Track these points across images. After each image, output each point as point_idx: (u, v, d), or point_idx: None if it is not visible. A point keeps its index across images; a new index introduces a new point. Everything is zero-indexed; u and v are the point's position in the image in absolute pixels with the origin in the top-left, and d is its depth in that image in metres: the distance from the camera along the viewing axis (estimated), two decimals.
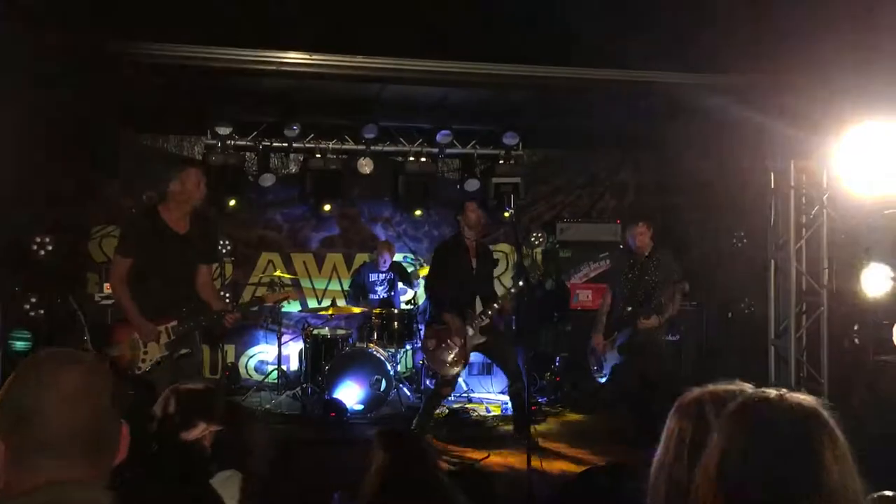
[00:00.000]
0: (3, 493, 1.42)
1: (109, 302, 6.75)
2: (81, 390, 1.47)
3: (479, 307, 6.64)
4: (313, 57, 6.30)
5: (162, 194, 5.01)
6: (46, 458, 1.42)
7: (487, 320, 6.51)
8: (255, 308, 6.08)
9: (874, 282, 6.24)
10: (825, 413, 1.44)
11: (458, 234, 6.76)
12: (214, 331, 5.34)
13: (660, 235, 6.63)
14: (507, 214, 8.81)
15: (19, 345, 6.58)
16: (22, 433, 1.42)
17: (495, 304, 6.50)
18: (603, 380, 6.34)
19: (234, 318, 5.01)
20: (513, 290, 6.55)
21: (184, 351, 4.83)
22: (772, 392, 1.47)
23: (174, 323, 4.78)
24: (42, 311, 6.81)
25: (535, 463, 4.98)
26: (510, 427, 6.78)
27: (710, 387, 1.73)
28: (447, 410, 7.48)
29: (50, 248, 7.02)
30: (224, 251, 8.80)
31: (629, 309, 6.29)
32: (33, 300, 6.85)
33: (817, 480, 1.35)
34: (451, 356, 6.48)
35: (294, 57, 6.27)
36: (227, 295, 8.76)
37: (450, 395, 7.05)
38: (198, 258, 5.00)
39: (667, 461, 1.67)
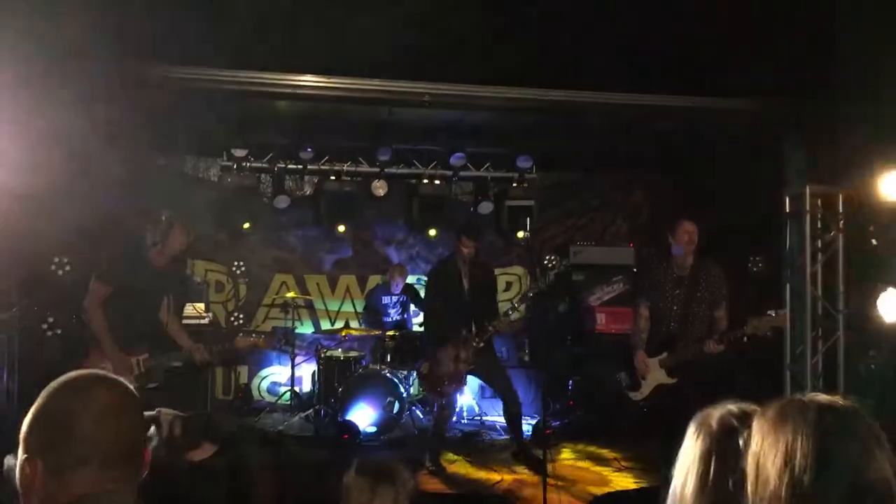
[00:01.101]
0: None
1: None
2: (115, 406, 1.56)
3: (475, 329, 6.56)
4: (328, 80, 6.35)
5: (174, 219, 5.11)
6: (83, 472, 1.50)
7: (482, 343, 6.45)
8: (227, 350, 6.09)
9: (890, 306, 6.19)
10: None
11: (452, 255, 6.76)
12: (190, 365, 5.35)
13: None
14: (521, 236, 8.91)
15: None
16: (59, 450, 1.50)
17: (490, 327, 6.42)
18: (638, 398, 5.81)
19: (202, 357, 5.12)
20: (510, 313, 6.55)
21: (151, 385, 4.90)
22: (798, 396, 1.48)
23: (145, 356, 4.89)
24: (59, 332, 6.84)
25: (551, 488, 4.93)
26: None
27: (729, 406, 1.70)
28: (460, 433, 7.46)
29: (68, 268, 7.06)
30: (238, 272, 8.84)
31: (684, 329, 5.62)
32: (50, 320, 6.88)
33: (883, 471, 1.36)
34: (444, 379, 6.45)
35: (309, 80, 6.32)
36: (241, 316, 8.79)
37: (451, 417, 6.96)
38: (168, 295, 5.13)
39: (692, 485, 1.63)
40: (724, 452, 1.61)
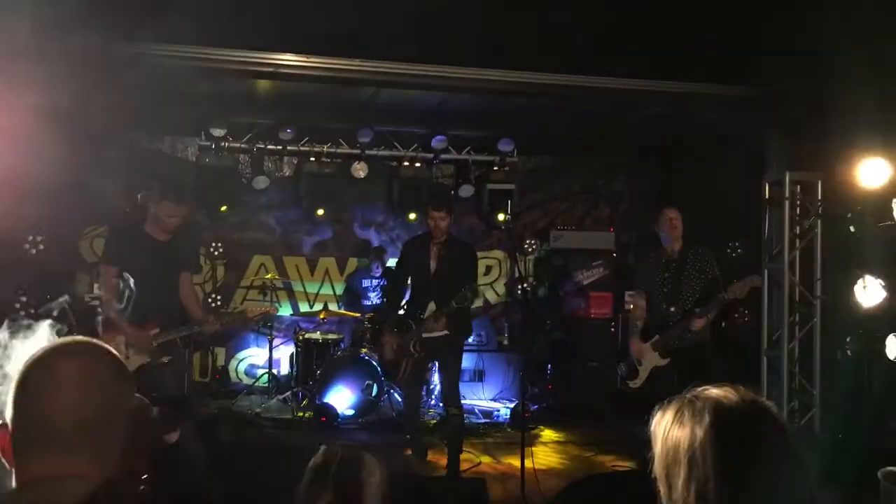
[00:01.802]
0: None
1: (97, 303, 6.76)
2: (75, 382, 1.40)
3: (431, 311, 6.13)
4: (309, 59, 6.26)
5: (151, 198, 5.11)
6: (37, 452, 1.38)
7: (438, 329, 6.00)
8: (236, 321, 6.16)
9: (867, 294, 6.24)
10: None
11: (427, 231, 6.38)
12: (198, 337, 5.42)
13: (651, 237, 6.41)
14: (502, 219, 8.89)
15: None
16: (18, 424, 1.39)
17: (439, 322, 5.99)
18: (637, 384, 5.85)
19: (215, 328, 5.17)
20: (454, 304, 5.88)
21: (165, 359, 4.91)
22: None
23: (156, 331, 4.87)
24: (32, 311, 6.75)
25: (528, 471, 4.94)
26: (502, 434, 6.76)
27: (711, 389, 1.62)
28: (438, 417, 7.46)
29: (42, 246, 6.97)
30: (216, 253, 8.76)
31: (672, 309, 5.78)
32: (24, 299, 6.79)
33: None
34: (393, 360, 6.18)
35: (290, 59, 6.23)
36: (219, 297, 8.73)
37: (414, 395, 6.53)
38: (179, 267, 5.14)
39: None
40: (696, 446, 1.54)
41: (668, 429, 1.52)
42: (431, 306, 6.06)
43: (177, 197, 5.05)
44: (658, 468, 1.52)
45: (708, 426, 1.45)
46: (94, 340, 1.51)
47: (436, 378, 7.21)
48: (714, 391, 1.53)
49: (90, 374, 1.43)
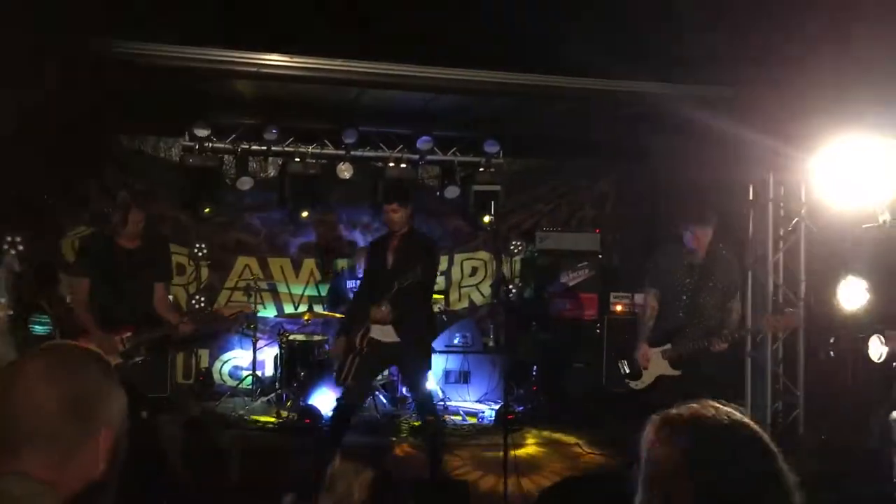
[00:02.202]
0: None
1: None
2: (46, 374, 1.34)
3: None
4: (293, 60, 6.23)
5: (130, 197, 5.24)
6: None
7: (383, 318, 5.45)
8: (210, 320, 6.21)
9: (851, 295, 6.26)
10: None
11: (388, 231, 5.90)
12: (174, 338, 5.50)
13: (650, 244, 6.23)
14: (487, 220, 8.87)
15: (38, 328, 6.59)
16: None
17: (382, 307, 5.42)
18: (639, 387, 5.58)
19: (188, 327, 5.28)
20: (396, 285, 5.35)
21: (138, 359, 5.05)
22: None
23: (129, 333, 5.01)
24: (11, 313, 6.68)
25: (512, 474, 4.93)
26: (487, 436, 6.73)
27: (688, 406, 1.61)
28: (421, 421, 7.43)
29: (21, 248, 6.89)
30: (200, 255, 8.70)
31: (693, 321, 5.42)
32: (2, 301, 6.71)
33: None
34: (342, 360, 5.62)
35: (274, 59, 6.20)
36: (202, 299, 8.67)
37: (353, 395, 5.66)
38: (151, 275, 5.27)
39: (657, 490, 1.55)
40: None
41: (651, 445, 1.53)
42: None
43: (138, 203, 5.24)
44: (640, 483, 1.52)
45: (687, 447, 1.46)
46: (76, 343, 1.48)
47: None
48: (698, 409, 1.53)
49: (56, 368, 1.37)
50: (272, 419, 7.39)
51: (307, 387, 7.27)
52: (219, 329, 8.36)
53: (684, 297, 5.46)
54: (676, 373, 5.39)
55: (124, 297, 5.09)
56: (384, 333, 5.49)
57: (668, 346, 5.45)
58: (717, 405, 1.55)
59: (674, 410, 1.56)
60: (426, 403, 5.70)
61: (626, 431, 1.74)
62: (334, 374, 6.22)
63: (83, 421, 1.36)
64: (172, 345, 6.08)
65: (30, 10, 5.13)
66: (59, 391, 1.34)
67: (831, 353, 6.65)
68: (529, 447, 6.94)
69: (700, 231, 5.42)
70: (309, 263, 9.27)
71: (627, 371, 5.71)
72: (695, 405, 1.56)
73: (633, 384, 5.64)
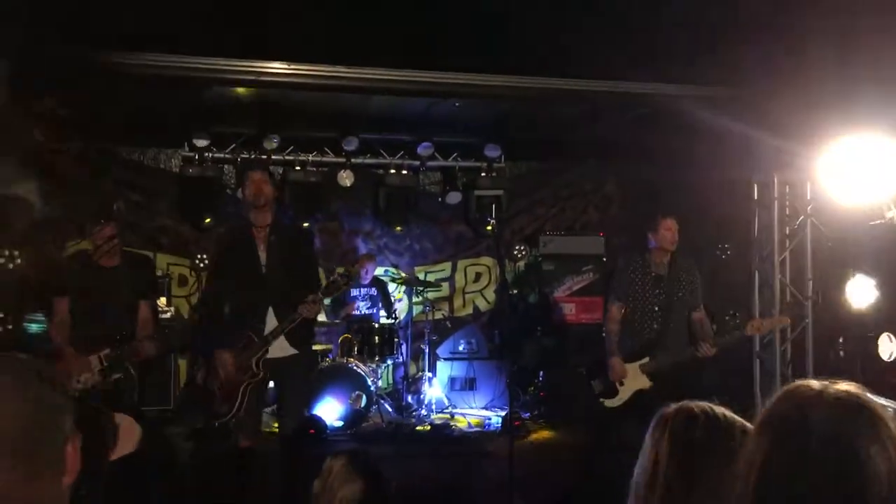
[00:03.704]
0: None
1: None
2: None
3: (272, 324, 4.72)
4: (293, 67, 6.19)
5: (123, 210, 5.21)
6: None
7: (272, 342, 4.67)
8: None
9: (859, 294, 6.21)
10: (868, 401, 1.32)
11: (245, 219, 4.95)
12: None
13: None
14: (489, 227, 8.81)
15: (34, 327, 6.56)
16: None
17: (286, 322, 4.63)
18: (616, 405, 5.38)
19: (146, 348, 5.01)
20: (320, 295, 4.76)
21: (116, 376, 4.94)
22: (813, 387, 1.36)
23: (107, 351, 4.90)
24: (10, 328, 6.63)
25: (517, 480, 4.85)
26: (493, 443, 6.66)
27: (688, 404, 1.69)
28: (429, 426, 7.37)
29: (18, 261, 6.84)
30: (202, 265, 8.65)
31: (659, 329, 5.35)
32: (1, 315, 6.67)
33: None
34: (230, 386, 4.72)
35: (273, 67, 6.16)
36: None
37: (251, 425, 5.01)
38: (133, 293, 5.11)
39: (643, 482, 1.62)
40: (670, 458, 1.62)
41: (646, 440, 1.66)
42: (271, 313, 4.72)
43: (114, 217, 5.15)
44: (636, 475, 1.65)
45: (666, 440, 1.58)
46: (19, 355, 1.43)
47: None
48: (677, 406, 1.67)
49: (17, 381, 1.34)
50: (275, 429, 7.31)
51: (311, 397, 7.19)
52: None
53: (657, 309, 5.36)
54: (651, 384, 5.27)
55: (102, 316, 4.97)
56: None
57: (647, 359, 5.31)
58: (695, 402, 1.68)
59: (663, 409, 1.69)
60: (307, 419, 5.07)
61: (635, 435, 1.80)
62: (207, 404, 5.26)
63: (50, 433, 1.35)
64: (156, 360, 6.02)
65: (22, 18, 5.10)
66: (24, 405, 1.32)
67: (840, 352, 6.60)
68: (536, 453, 6.86)
69: (664, 224, 5.34)
70: None
71: (600, 389, 5.48)
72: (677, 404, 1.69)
73: (607, 403, 5.43)
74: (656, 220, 5.41)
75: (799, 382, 1.36)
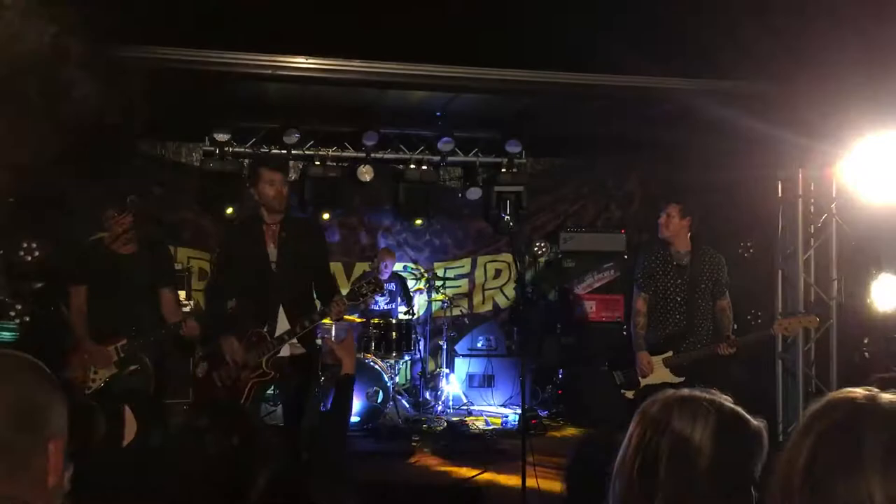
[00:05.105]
0: None
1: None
2: None
3: (283, 322, 4.58)
4: (313, 61, 6.17)
5: (141, 202, 5.16)
6: None
7: (292, 345, 4.58)
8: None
9: (885, 294, 6.10)
10: None
11: (254, 213, 4.83)
12: (179, 342, 5.37)
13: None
14: (507, 222, 8.76)
15: (4, 335, 6.54)
16: None
17: (306, 322, 4.49)
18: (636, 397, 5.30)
19: (192, 327, 4.96)
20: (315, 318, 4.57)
21: (132, 367, 4.92)
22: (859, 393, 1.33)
23: (124, 342, 4.88)
24: (28, 319, 6.67)
25: (531, 479, 4.80)
26: (510, 440, 6.61)
27: (682, 391, 1.66)
28: (445, 423, 7.34)
29: (37, 253, 6.88)
30: None
31: (685, 322, 5.27)
32: (18, 307, 6.71)
33: None
34: (234, 383, 4.56)
35: (293, 61, 6.14)
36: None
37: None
38: (154, 281, 5.09)
39: (623, 466, 1.65)
40: (644, 441, 1.65)
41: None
42: (281, 312, 4.59)
43: (119, 206, 5.04)
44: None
45: (639, 423, 1.64)
46: (12, 351, 1.40)
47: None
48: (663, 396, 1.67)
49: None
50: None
51: (328, 391, 7.19)
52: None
53: (679, 300, 5.29)
54: (679, 380, 5.14)
55: (120, 305, 4.95)
56: None
57: (670, 353, 5.25)
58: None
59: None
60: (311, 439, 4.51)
61: None
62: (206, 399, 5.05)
63: (28, 431, 1.32)
64: (180, 349, 5.98)
65: (42, 13, 5.12)
66: (3, 400, 1.30)
67: (865, 353, 6.47)
68: (553, 451, 6.80)
69: (672, 208, 5.28)
70: (334, 266, 9.20)
71: (623, 382, 5.43)
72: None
73: (628, 393, 5.39)
74: (662, 208, 5.40)
75: (846, 390, 1.34)
